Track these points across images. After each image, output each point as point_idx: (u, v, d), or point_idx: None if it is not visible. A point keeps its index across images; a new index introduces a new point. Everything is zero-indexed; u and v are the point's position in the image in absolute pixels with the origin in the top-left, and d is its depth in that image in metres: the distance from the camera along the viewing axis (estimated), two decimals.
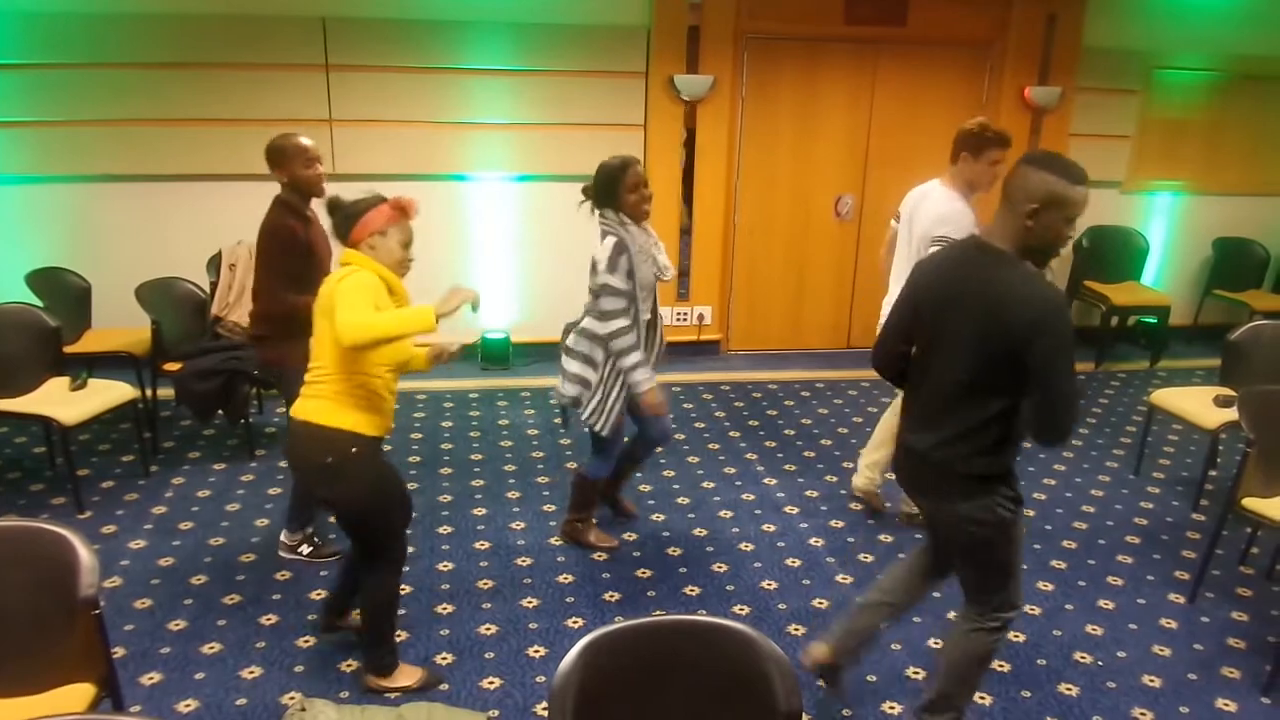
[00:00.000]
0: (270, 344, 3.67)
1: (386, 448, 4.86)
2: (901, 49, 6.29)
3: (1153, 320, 6.81)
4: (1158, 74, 6.67)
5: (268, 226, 3.57)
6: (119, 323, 5.15)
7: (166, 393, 5.02)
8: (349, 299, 2.63)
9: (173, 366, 4.64)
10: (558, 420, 4.64)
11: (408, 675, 3.04)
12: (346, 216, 2.80)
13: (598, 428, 3.59)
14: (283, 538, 3.83)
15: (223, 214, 5.53)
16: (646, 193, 3.49)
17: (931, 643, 3.35)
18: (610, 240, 3.43)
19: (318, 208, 3.32)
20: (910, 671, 3.20)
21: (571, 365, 3.60)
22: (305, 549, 3.80)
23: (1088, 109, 6.57)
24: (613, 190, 3.44)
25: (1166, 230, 7.09)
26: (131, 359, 4.87)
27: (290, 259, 3.52)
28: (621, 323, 3.44)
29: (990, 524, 2.48)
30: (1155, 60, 6.62)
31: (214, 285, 5.30)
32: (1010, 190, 2.36)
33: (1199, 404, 4.44)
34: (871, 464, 4.25)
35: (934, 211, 3.67)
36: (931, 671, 2.96)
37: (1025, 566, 3.89)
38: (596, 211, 3.52)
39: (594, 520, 3.99)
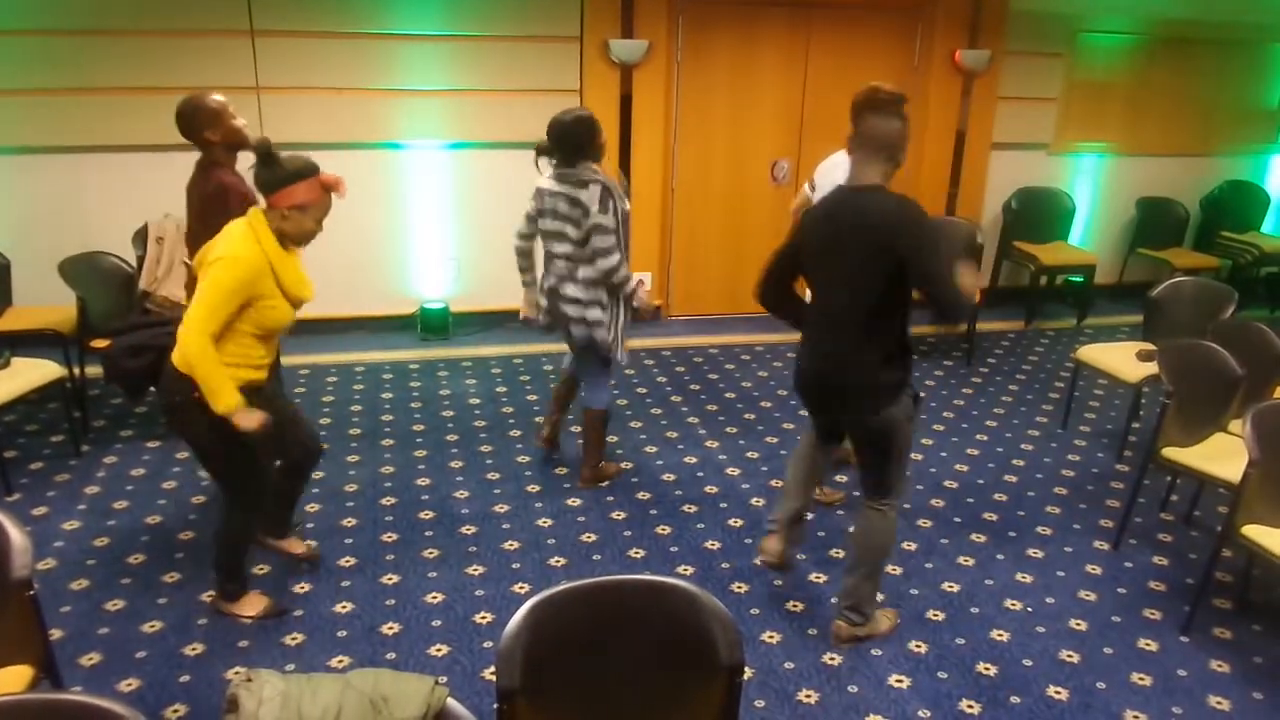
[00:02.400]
0: None
1: (325, 420, 4.84)
2: (834, 13, 6.32)
3: (1079, 279, 7.01)
4: (1082, 37, 6.81)
5: (215, 187, 3.42)
6: (42, 300, 4.99)
7: (95, 371, 4.88)
8: (208, 299, 2.74)
9: (101, 343, 4.51)
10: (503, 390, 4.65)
11: (252, 605, 3.23)
12: (277, 177, 2.83)
13: (617, 355, 3.91)
14: None
15: (146, 186, 5.38)
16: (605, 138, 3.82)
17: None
18: (596, 187, 3.65)
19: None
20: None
21: (587, 313, 3.81)
22: None
23: (1015, 72, 6.69)
24: (589, 143, 3.71)
25: (1092, 191, 7.28)
26: (57, 337, 4.73)
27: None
28: (616, 256, 3.72)
29: (900, 425, 2.90)
30: (1079, 23, 6.75)
31: (141, 260, 5.15)
32: (881, 139, 2.80)
33: (1122, 359, 4.60)
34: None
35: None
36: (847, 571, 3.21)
37: (957, 519, 4.02)
38: (560, 167, 3.75)
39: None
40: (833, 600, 3.38)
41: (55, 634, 3.05)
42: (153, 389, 4.56)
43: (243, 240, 2.83)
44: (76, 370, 4.79)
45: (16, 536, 2.31)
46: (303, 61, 5.61)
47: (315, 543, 3.68)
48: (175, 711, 2.80)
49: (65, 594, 3.35)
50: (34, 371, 4.17)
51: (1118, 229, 7.40)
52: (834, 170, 3.90)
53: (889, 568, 3.62)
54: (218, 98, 3.52)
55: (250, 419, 2.81)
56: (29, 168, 5.50)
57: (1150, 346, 4.49)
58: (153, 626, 3.19)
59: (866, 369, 2.85)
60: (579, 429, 4.59)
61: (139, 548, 3.66)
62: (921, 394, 2.94)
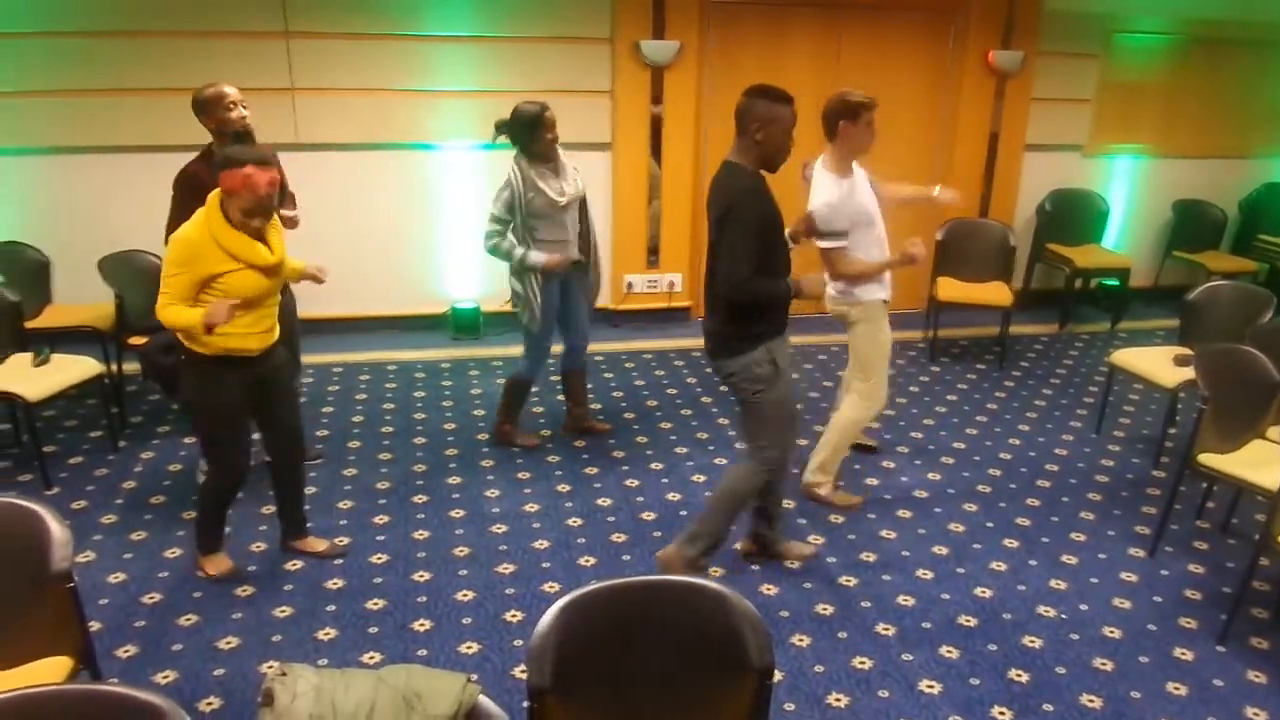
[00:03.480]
0: None
1: (358, 418, 4.88)
2: (866, 14, 6.29)
3: (1114, 282, 6.92)
4: (1117, 37, 6.73)
5: (179, 176, 3.75)
6: (81, 297, 5.08)
7: (133, 367, 4.97)
8: (163, 273, 3.08)
9: (138, 340, 4.58)
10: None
11: (216, 564, 3.49)
12: (220, 160, 3.09)
13: (529, 324, 4.29)
14: None
15: None
16: (553, 138, 4.13)
17: (901, 599, 3.42)
18: (503, 176, 4.12)
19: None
20: (880, 628, 3.28)
21: (512, 284, 4.28)
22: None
23: (1049, 73, 6.62)
24: (524, 136, 4.10)
25: (1127, 193, 7.19)
26: (95, 333, 4.81)
27: (196, 204, 3.38)
28: (492, 241, 4.16)
29: (749, 380, 3.19)
30: (1114, 24, 6.67)
31: None
32: (741, 118, 3.08)
33: (1158, 363, 4.54)
34: (818, 466, 4.17)
35: (818, 204, 3.78)
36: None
37: (989, 524, 3.99)
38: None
39: (518, 423, 4.68)
40: (736, 546, 3.71)
41: (93, 626, 3.09)
42: None
43: (191, 223, 3.10)
44: (114, 366, 4.87)
45: (57, 530, 2.35)
46: (336, 63, 5.66)
47: (346, 539, 3.73)
48: (210, 704, 2.84)
49: (103, 587, 3.40)
50: (73, 368, 4.25)
51: (1153, 232, 7.30)
52: (813, 189, 3.91)
53: (920, 571, 3.61)
54: (221, 89, 3.73)
55: (217, 311, 2.98)
56: (68, 167, 5.59)
57: (1187, 351, 4.43)
58: (188, 620, 3.23)
59: (718, 319, 3.24)
60: (599, 422, 4.62)
61: (175, 542, 3.71)
62: (779, 366, 3.22)
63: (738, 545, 3.73)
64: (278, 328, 3.36)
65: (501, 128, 4.17)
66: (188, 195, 3.52)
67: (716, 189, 3.16)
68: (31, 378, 4.09)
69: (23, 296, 4.40)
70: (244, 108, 3.78)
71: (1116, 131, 7.01)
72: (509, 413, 4.61)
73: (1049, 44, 6.53)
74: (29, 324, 4.50)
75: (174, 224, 3.58)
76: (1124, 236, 7.26)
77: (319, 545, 3.66)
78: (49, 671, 2.33)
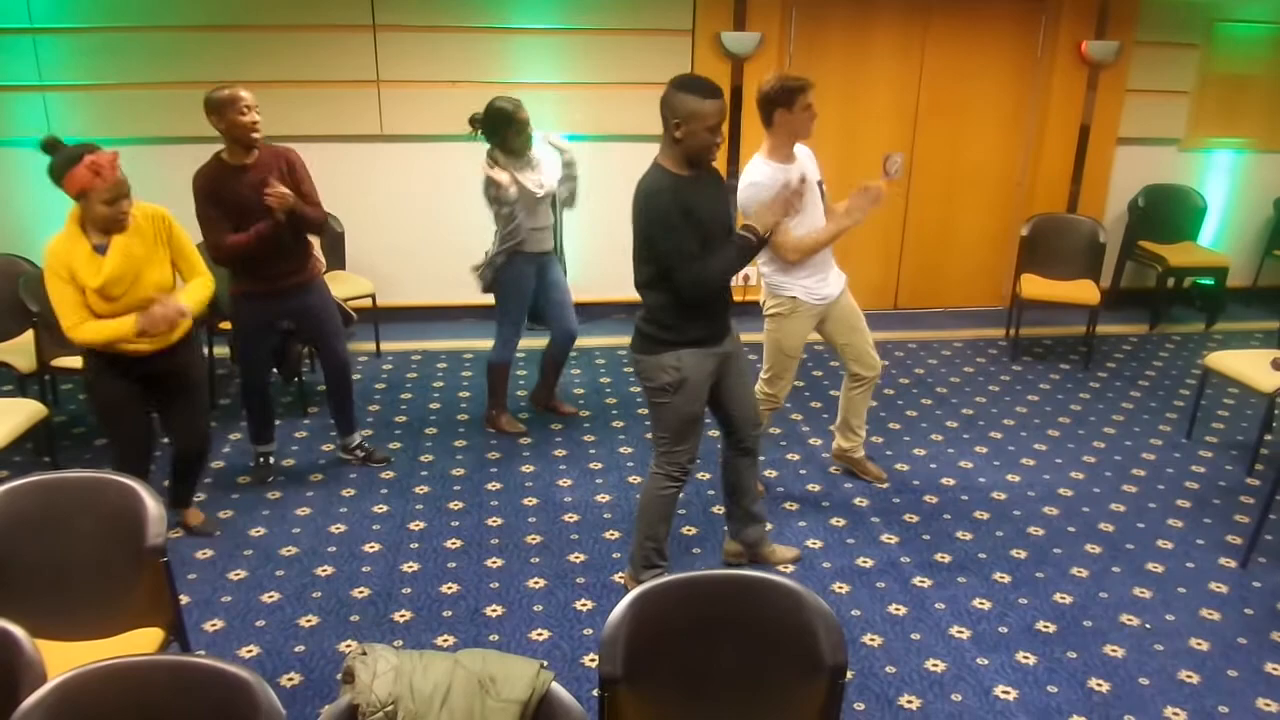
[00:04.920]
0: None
1: (435, 405, 4.96)
2: (953, 3, 6.15)
3: (1210, 281, 6.66)
4: (1219, 27, 6.46)
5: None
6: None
7: (222, 351, 5.14)
8: (52, 298, 3.02)
9: (227, 326, 4.73)
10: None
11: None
12: (50, 169, 2.96)
13: (481, 285, 4.50)
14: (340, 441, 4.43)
15: None
16: (528, 133, 4.25)
17: (976, 602, 3.36)
18: (485, 174, 4.23)
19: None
20: (954, 630, 3.22)
21: (493, 261, 4.44)
22: (359, 453, 4.38)
23: (1145, 64, 6.39)
24: (498, 131, 4.21)
25: (1226, 189, 6.90)
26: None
27: (210, 208, 3.76)
28: (511, 223, 4.29)
29: (653, 383, 3.06)
30: (1216, 13, 6.40)
31: None
32: (662, 111, 2.88)
33: (1256, 366, 4.36)
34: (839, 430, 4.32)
35: (742, 183, 3.60)
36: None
37: (1071, 529, 3.88)
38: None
39: (506, 407, 4.77)
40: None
41: (182, 600, 3.20)
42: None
43: (56, 237, 3.05)
44: (206, 351, 5.01)
45: (152, 506, 2.45)
46: (421, 56, 5.75)
47: (205, 516, 3.85)
48: (290, 680, 2.93)
49: (192, 562, 3.53)
50: None
51: (1253, 230, 7.00)
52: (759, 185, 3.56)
53: (997, 575, 3.53)
54: (237, 92, 3.68)
55: (148, 318, 3.06)
56: (163, 157, 5.64)
57: None
58: (271, 597, 3.34)
59: (642, 316, 3.07)
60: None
61: (259, 522, 3.84)
62: (685, 377, 3.02)
63: (724, 548, 3.67)
64: (179, 327, 3.32)
65: (476, 123, 4.28)
66: (199, 202, 3.72)
67: (635, 193, 2.95)
68: None
69: None
70: (257, 114, 3.72)
71: (1216, 125, 6.73)
72: (496, 399, 4.72)
73: (1146, 34, 6.30)
74: None
75: (204, 233, 3.84)
76: (1222, 234, 6.97)
77: (196, 519, 3.79)
78: (142, 642, 2.44)
